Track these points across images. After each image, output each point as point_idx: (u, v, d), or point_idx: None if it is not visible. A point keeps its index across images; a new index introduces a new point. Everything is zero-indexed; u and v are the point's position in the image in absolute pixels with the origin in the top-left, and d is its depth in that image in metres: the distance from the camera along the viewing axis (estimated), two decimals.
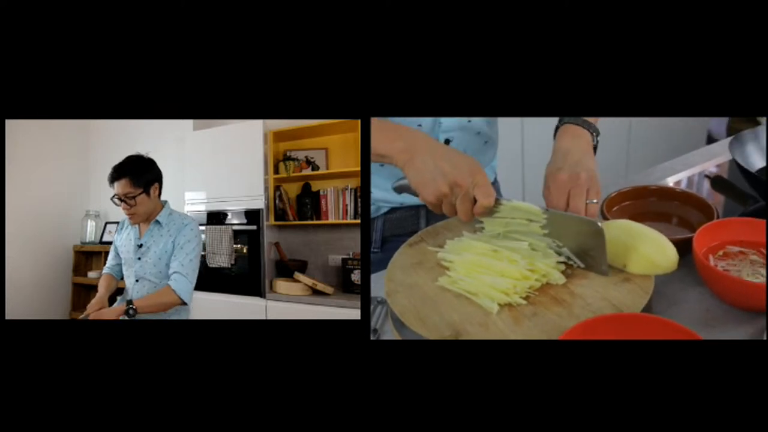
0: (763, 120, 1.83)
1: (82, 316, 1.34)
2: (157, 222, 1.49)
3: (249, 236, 2.40)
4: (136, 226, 1.51)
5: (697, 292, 0.95)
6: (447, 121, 1.14)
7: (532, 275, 0.91)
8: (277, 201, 2.46)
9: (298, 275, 2.29)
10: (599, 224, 0.90)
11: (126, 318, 1.35)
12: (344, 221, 2.33)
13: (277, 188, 2.47)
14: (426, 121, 1.12)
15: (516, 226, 0.97)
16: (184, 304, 1.43)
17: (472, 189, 0.92)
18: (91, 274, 2.80)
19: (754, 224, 0.99)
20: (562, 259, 0.94)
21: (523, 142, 2.63)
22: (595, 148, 1.06)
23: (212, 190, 2.53)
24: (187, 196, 2.60)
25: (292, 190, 2.54)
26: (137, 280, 1.49)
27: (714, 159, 1.44)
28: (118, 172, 1.42)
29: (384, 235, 1.24)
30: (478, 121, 1.17)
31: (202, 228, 2.41)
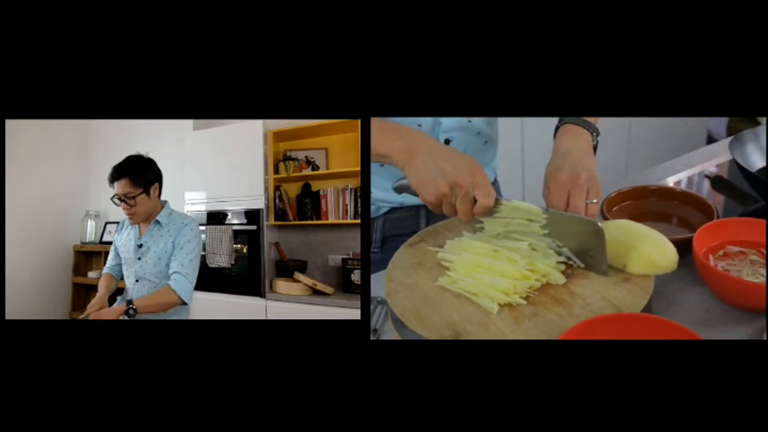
0: (763, 120, 1.83)
1: (82, 316, 1.34)
2: (157, 222, 1.49)
3: (249, 236, 2.40)
4: (136, 226, 1.51)
5: (697, 292, 0.95)
6: (447, 121, 1.14)
7: (532, 275, 0.91)
8: (277, 201, 2.46)
9: (298, 275, 2.28)
10: (599, 224, 0.90)
11: (126, 318, 1.35)
12: (344, 221, 2.33)
13: (277, 188, 2.46)
14: (426, 121, 1.12)
15: (516, 226, 0.97)
16: (184, 304, 1.43)
17: (472, 189, 0.92)
18: (91, 274, 2.80)
19: (754, 224, 0.99)
20: (562, 259, 0.94)
21: (523, 142, 2.62)
22: (595, 148, 1.06)
23: (212, 190, 2.53)
24: (187, 196, 2.60)
25: (292, 190, 2.54)
26: (137, 280, 1.49)
27: (714, 159, 1.44)
28: (118, 172, 1.43)
29: (384, 235, 1.24)
30: (478, 121, 1.17)
31: (202, 228, 2.41)
